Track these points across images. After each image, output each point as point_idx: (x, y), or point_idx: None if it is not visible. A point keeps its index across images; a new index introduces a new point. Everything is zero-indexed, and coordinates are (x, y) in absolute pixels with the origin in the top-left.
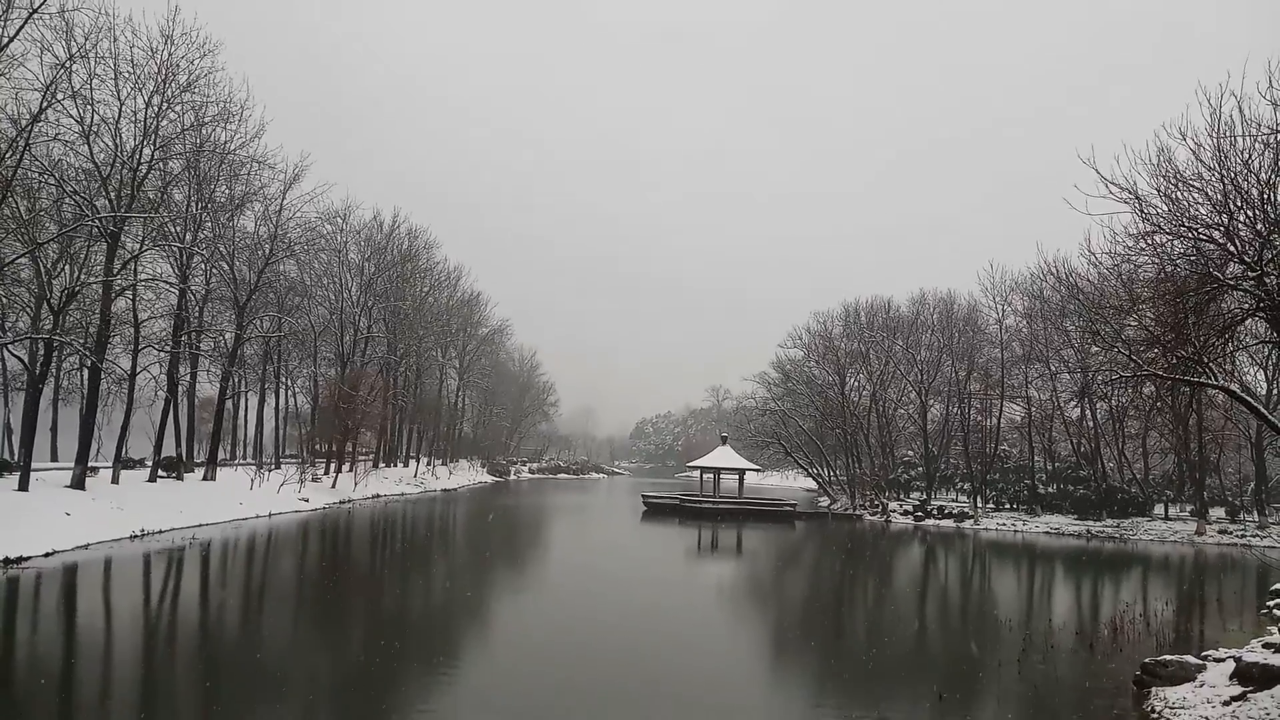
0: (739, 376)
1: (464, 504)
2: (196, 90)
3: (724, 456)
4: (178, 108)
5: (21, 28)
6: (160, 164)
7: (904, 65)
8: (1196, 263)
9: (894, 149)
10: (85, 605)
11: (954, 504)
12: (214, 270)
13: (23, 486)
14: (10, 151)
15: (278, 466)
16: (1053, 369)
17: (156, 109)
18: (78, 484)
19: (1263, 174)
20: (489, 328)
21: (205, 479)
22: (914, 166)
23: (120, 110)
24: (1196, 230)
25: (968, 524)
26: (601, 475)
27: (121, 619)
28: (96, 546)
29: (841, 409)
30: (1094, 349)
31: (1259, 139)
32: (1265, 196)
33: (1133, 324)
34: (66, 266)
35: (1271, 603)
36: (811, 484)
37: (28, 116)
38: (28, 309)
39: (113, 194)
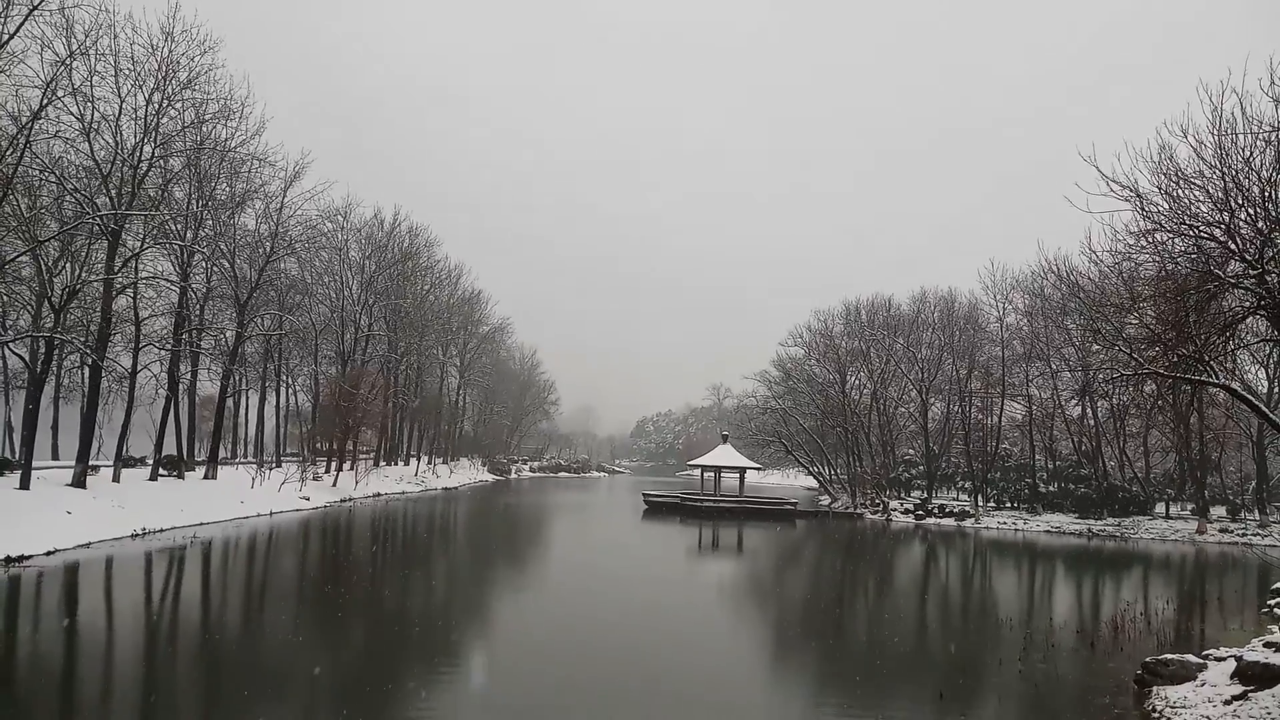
0: (740, 375)
1: (465, 502)
2: (197, 87)
3: (725, 455)
4: (178, 105)
5: (21, 24)
6: (161, 161)
7: (904, 65)
8: (1197, 260)
9: (894, 149)
10: (87, 604)
11: (955, 503)
12: (215, 268)
13: (24, 485)
14: (11, 149)
15: (279, 465)
16: (1054, 367)
17: (157, 106)
18: (79, 482)
19: (1264, 172)
20: (490, 326)
21: (206, 477)
22: (914, 166)
23: (121, 107)
24: (1197, 228)
25: (968, 523)
26: (602, 474)
27: (123, 618)
28: (98, 545)
29: (842, 407)
30: (1095, 347)
31: (1260, 136)
32: (1266, 194)
33: (1134, 322)
34: (67, 264)
35: (1272, 601)
36: (812, 482)
37: (28, 114)
38: (29, 307)
39: (113, 191)
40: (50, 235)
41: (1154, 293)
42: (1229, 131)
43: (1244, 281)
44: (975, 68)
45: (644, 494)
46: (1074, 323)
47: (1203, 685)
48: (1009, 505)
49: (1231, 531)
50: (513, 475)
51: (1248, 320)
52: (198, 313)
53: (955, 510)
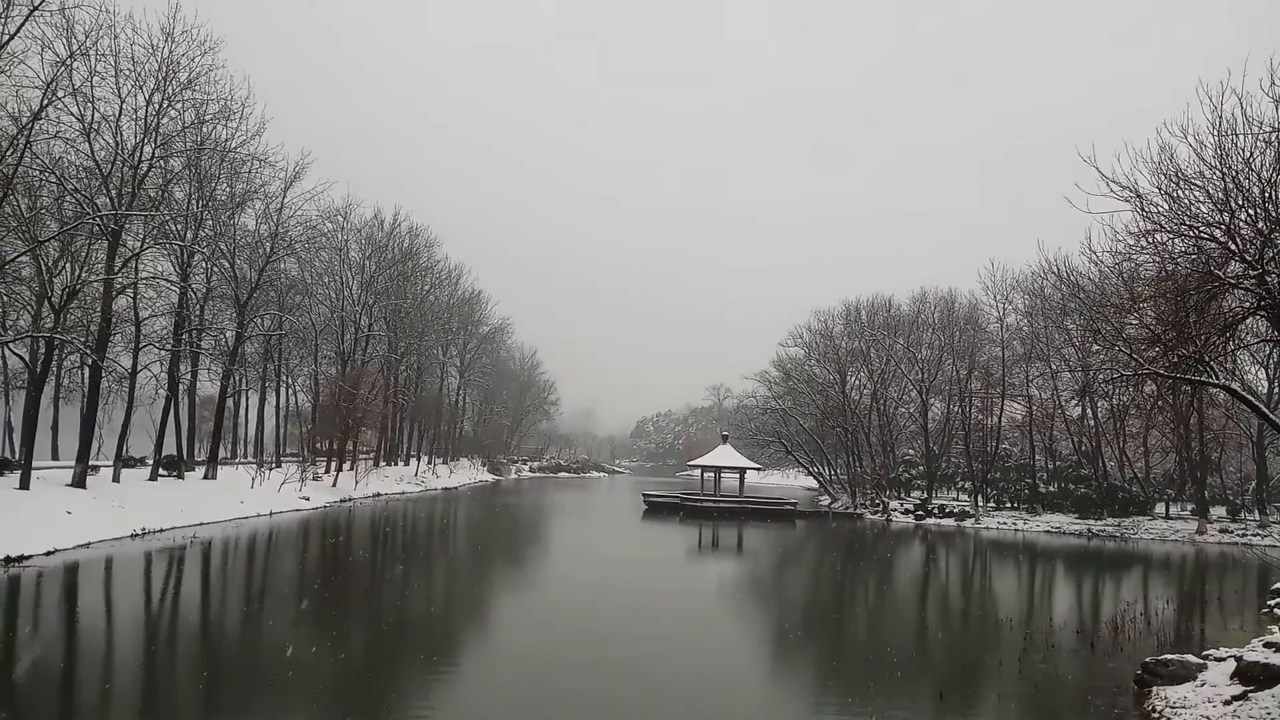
0: (740, 375)
1: (465, 503)
2: (197, 88)
3: (725, 455)
4: (178, 105)
5: (22, 25)
6: (161, 162)
7: (904, 65)
8: (1197, 261)
9: (895, 149)
10: (87, 604)
11: (955, 503)
12: (215, 268)
13: (24, 485)
14: (11, 149)
15: (278, 465)
16: (1054, 368)
17: (157, 106)
18: (79, 482)
19: (1264, 172)
20: (490, 326)
21: (206, 477)
22: (914, 166)
23: (121, 108)
24: (1198, 228)
25: (968, 523)
26: (602, 474)
27: (123, 618)
28: (98, 545)
29: (842, 407)
30: (1095, 347)
31: (1260, 137)
32: (1266, 195)
33: (1134, 322)
34: (67, 264)
35: (1272, 602)
36: (812, 483)
37: (29, 114)
38: (29, 307)
39: (113, 192)
40: (50, 235)
41: (1154, 293)
42: (1229, 132)
43: (1244, 282)
44: (975, 66)
45: (644, 494)
46: (1074, 323)
47: (1203, 685)
48: (1009, 505)
49: (1231, 532)
50: (513, 475)
51: (1248, 321)
52: (198, 313)
53: (955, 510)
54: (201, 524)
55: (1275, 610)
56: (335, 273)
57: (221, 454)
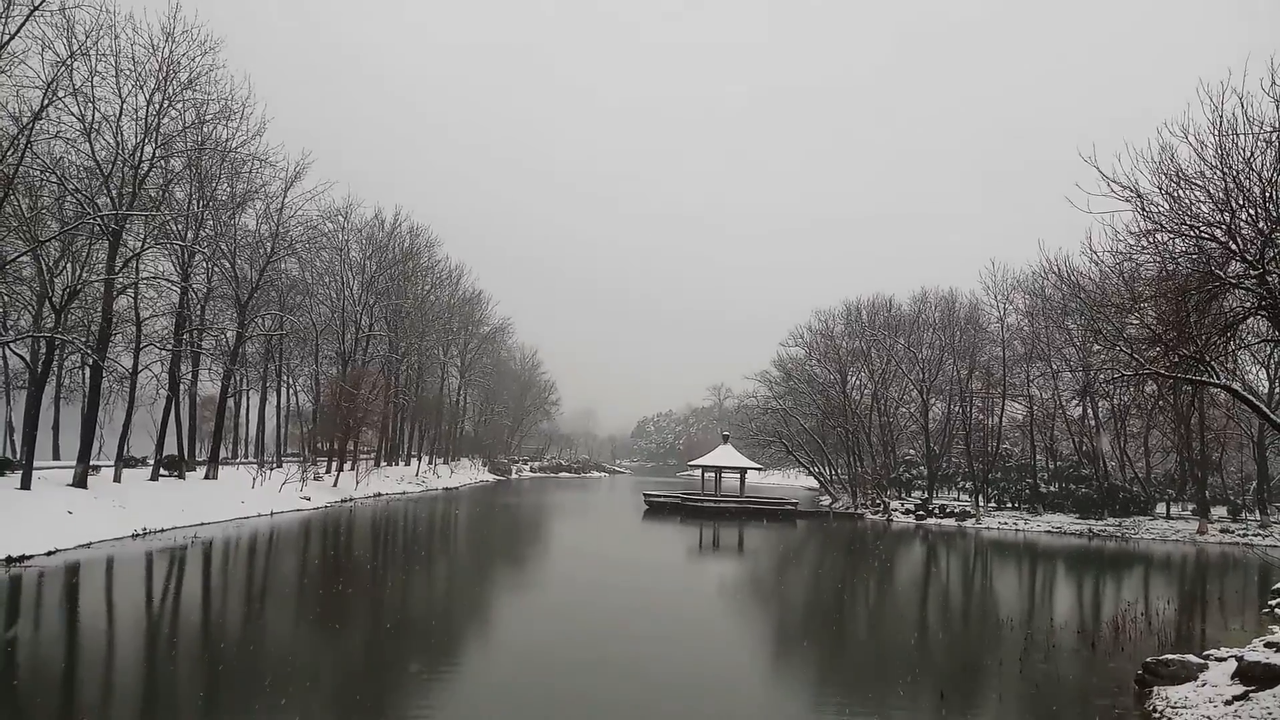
0: (740, 375)
1: (466, 503)
2: (198, 87)
3: (725, 455)
4: (179, 105)
5: (23, 25)
6: (162, 162)
7: (904, 65)
8: (1198, 261)
9: (895, 149)
10: (88, 604)
11: (956, 503)
12: (215, 268)
13: (25, 485)
14: (12, 149)
15: (279, 465)
16: (1054, 368)
17: (158, 106)
18: (79, 482)
19: (1265, 172)
20: (490, 326)
21: (207, 477)
22: (914, 166)
23: (121, 108)
24: (1198, 228)
25: (969, 523)
26: (603, 474)
27: (124, 618)
28: (99, 545)
29: (843, 407)
30: (1096, 347)
31: (1261, 137)
32: (1267, 194)
33: (1134, 322)
34: (68, 264)
35: (1273, 601)
36: (813, 483)
37: (29, 114)
38: (30, 307)
39: (114, 192)
40: (51, 235)
41: (1155, 293)
42: (1230, 132)
43: (1245, 282)
44: (974, 67)
45: (644, 494)
46: (1075, 323)
47: (1203, 685)
48: (1010, 505)
49: (1232, 532)
50: (513, 475)
51: (1248, 320)
52: (198, 313)
53: (956, 510)
54: (202, 524)
55: (1276, 610)
56: (336, 273)
57: (222, 454)
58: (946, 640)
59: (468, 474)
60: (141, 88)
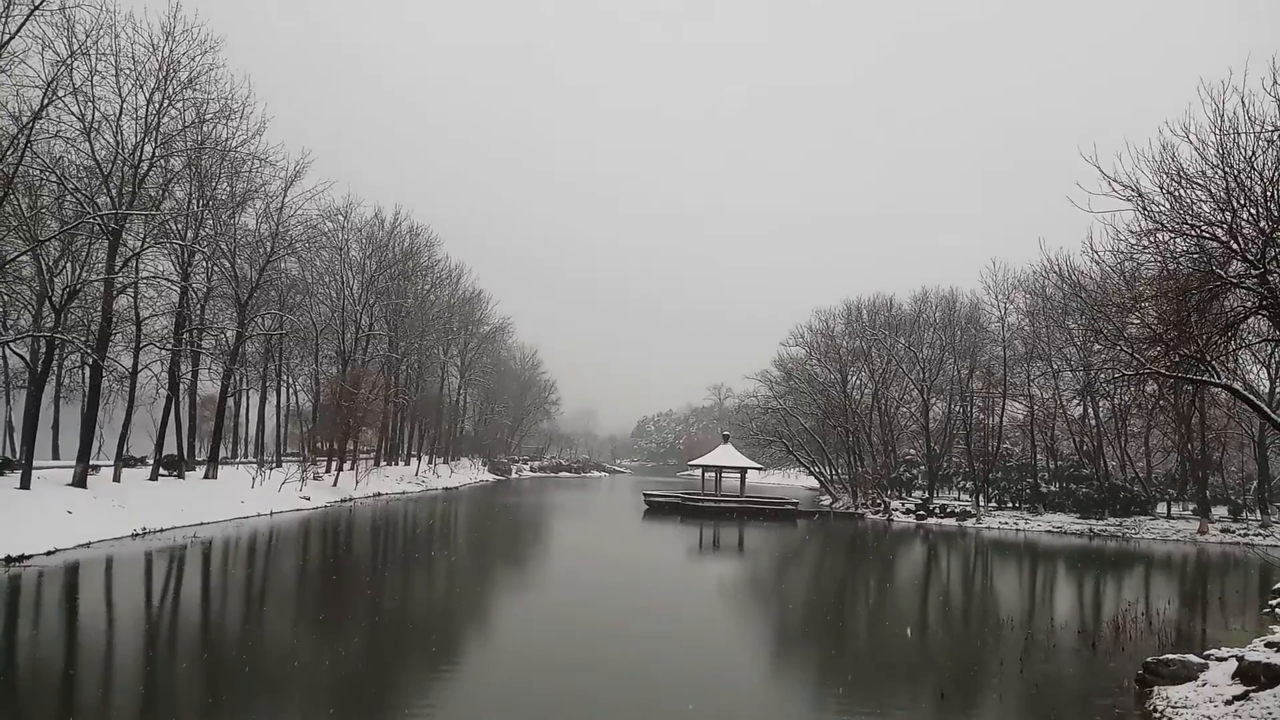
0: (741, 375)
1: (465, 502)
2: (198, 87)
3: (725, 455)
4: (179, 104)
5: (23, 25)
6: (161, 161)
7: (904, 65)
8: (1199, 260)
9: (895, 149)
10: (88, 604)
11: (956, 503)
12: (215, 268)
13: (24, 484)
14: (12, 148)
15: (279, 465)
16: (1055, 367)
17: (158, 106)
18: (79, 482)
19: (1266, 171)
20: (490, 326)
21: (206, 477)
22: (915, 165)
23: (121, 107)
24: (1199, 228)
25: (970, 523)
26: (603, 474)
27: (124, 618)
28: (98, 545)
29: (843, 407)
30: (1096, 347)
31: (1263, 136)
32: (1269, 194)
33: (1135, 322)
34: (68, 264)
35: (1274, 601)
36: (813, 482)
37: (29, 113)
38: (29, 307)
39: (114, 191)
40: (51, 235)
41: (1156, 292)
42: (1231, 131)
43: (1246, 281)
44: (974, 67)
45: (645, 494)
46: (1075, 322)
47: (1204, 685)
48: (1010, 505)
49: (1233, 531)
50: (513, 475)
51: (1249, 320)
52: (198, 312)
53: (957, 510)
54: (202, 524)
55: (1277, 610)
56: (336, 272)
57: (222, 454)
58: (947, 640)
59: (467, 474)
60: (141, 87)
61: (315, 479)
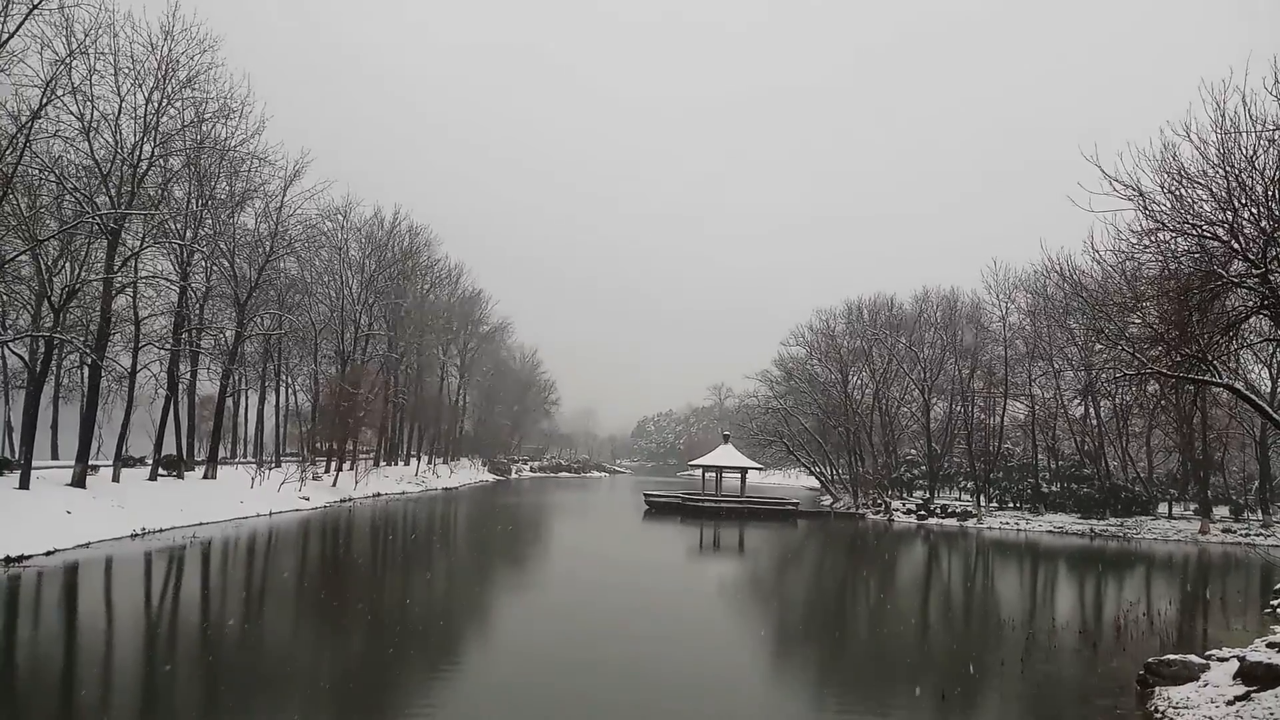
0: (741, 374)
1: (465, 503)
2: (197, 86)
3: (726, 455)
4: (178, 104)
5: (21, 24)
6: (161, 160)
7: (904, 65)
8: (1200, 260)
9: (895, 149)
10: (87, 604)
11: (957, 503)
12: (214, 267)
13: (23, 484)
14: (11, 148)
15: (278, 465)
16: (1056, 367)
17: (157, 105)
18: (78, 482)
19: (1268, 171)
20: (490, 325)
21: (206, 477)
22: (915, 165)
23: (120, 106)
24: (1200, 227)
25: (971, 523)
26: (603, 474)
27: (123, 618)
28: (97, 545)
29: (844, 407)
30: (1098, 347)
31: (1264, 135)
32: (1270, 193)
33: (1136, 321)
34: (67, 264)
35: (1275, 601)
36: (814, 483)
37: (28, 113)
38: (28, 306)
39: (113, 191)
40: (50, 234)
41: (1157, 292)
42: (1232, 130)
43: (1247, 281)
44: (974, 67)
45: (645, 494)
46: (1077, 322)
47: (1205, 686)
48: (1011, 505)
49: (1234, 532)
50: (513, 475)
51: (1251, 320)
52: (197, 312)
53: (957, 510)
54: (201, 524)
55: (1278, 610)
56: (335, 272)
57: (221, 454)
58: (948, 640)
59: (467, 474)
60: (140, 86)
61: (314, 479)
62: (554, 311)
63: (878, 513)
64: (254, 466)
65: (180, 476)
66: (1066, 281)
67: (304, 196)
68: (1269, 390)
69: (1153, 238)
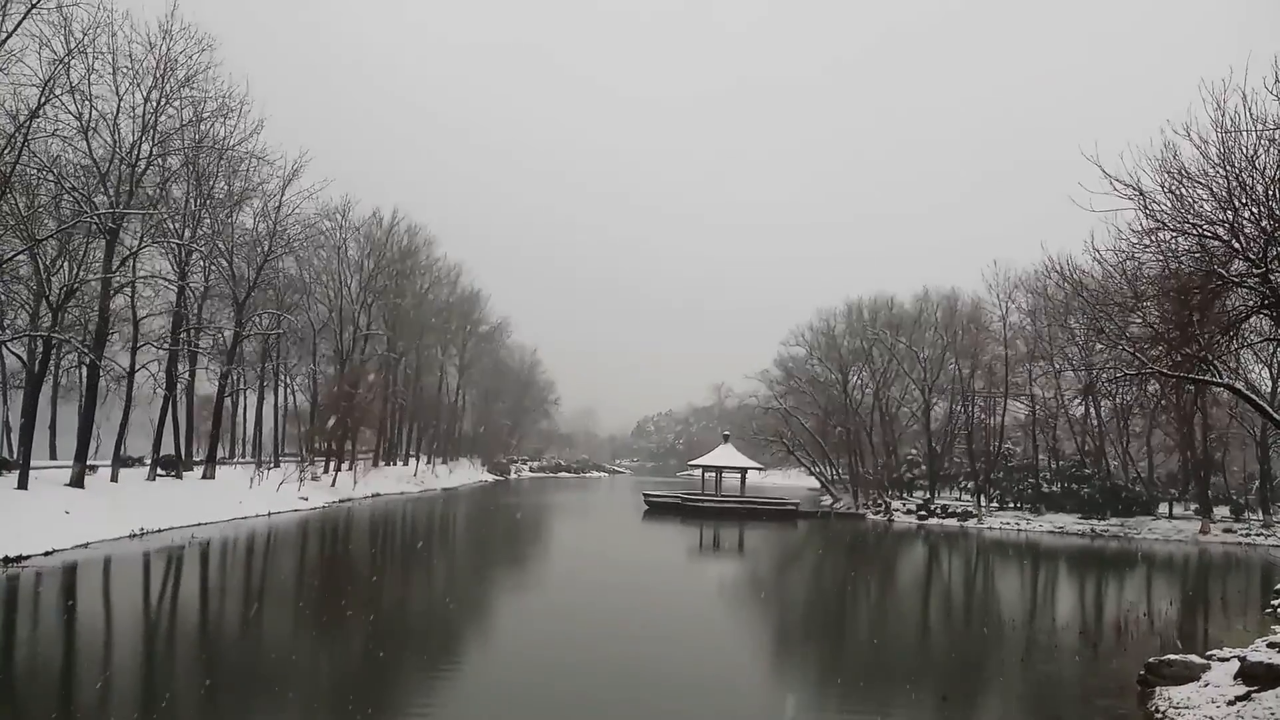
0: (741, 374)
1: (464, 503)
2: (195, 85)
3: (726, 455)
4: (176, 103)
5: (20, 23)
6: (159, 160)
7: (904, 65)
8: (1201, 259)
9: (895, 146)
10: (86, 605)
11: (957, 503)
12: (213, 267)
13: (22, 485)
14: (9, 147)
15: (277, 465)
16: (1057, 367)
17: (155, 104)
18: (77, 482)
19: (1268, 170)
20: (489, 325)
21: (204, 477)
22: (915, 165)
23: (119, 106)
24: (1201, 227)
25: (971, 523)
26: (603, 474)
27: (122, 618)
28: (96, 545)
29: (844, 407)
30: (1098, 346)
31: (1265, 135)
32: (1270, 193)
33: (1137, 321)
34: (65, 263)
35: (1276, 601)
36: (814, 483)
37: (26, 112)
38: (26, 306)
39: (111, 190)
40: (48, 234)
41: (1157, 292)
42: (1233, 130)
43: (1248, 280)
44: (973, 66)
45: (645, 494)
46: (1077, 322)
47: (1206, 686)
48: (1012, 505)
49: (1235, 532)
50: (513, 476)
51: (1251, 319)
52: (196, 312)
53: (958, 510)
54: (200, 524)
55: (1279, 610)
56: (333, 271)
57: (220, 454)
58: (948, 641)
59: (466, 474)
60: (139, 85)
61: (313, 479)
62: (554, 311)
63: (878, 513)
64: (253, 466)
65: (179, 476)
66: (1067, 281)
67: (302, 196)
68: (1269, 390)
69: (1153, 237)
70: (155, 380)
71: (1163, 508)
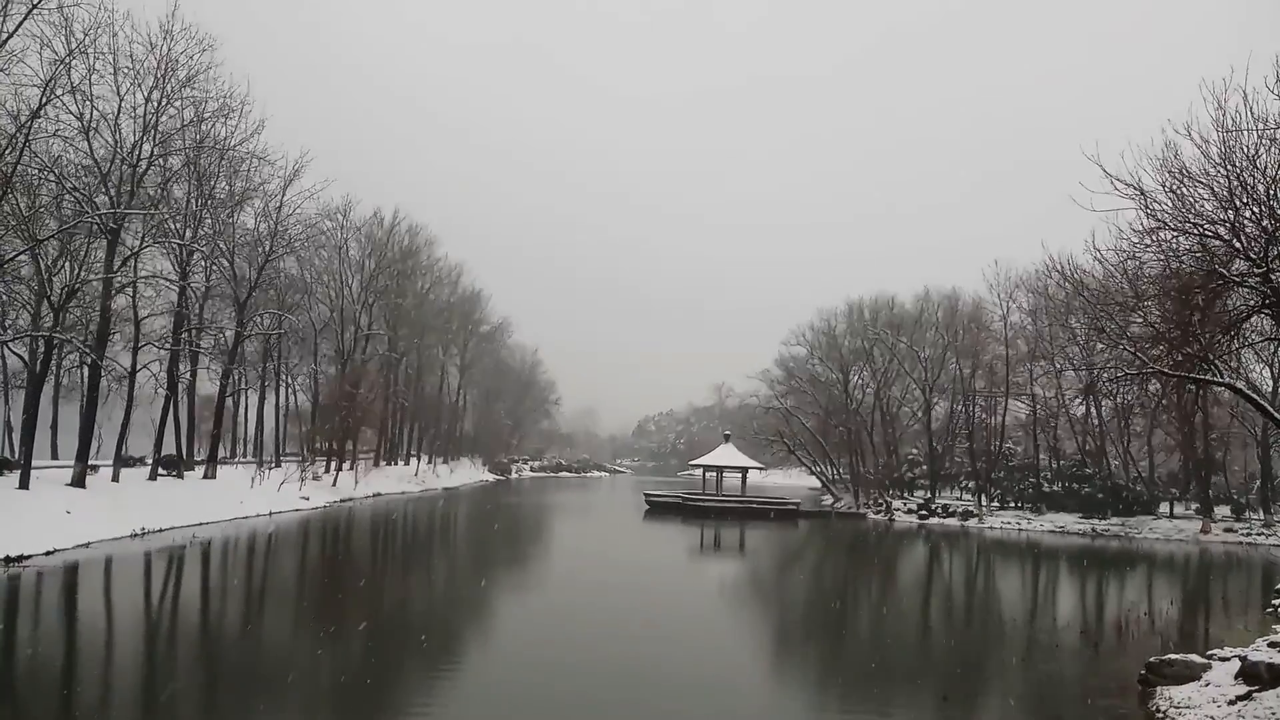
0: (742, 374)
1: (465, 502)
2: (196, 85)
3: (727, 455)
4: (177, 103)
5: (21, 23)
6: (160, 160)
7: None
8: (1202, 259)
9: (895, 141)
10: (87, 604)
11: (958, 502)
12: (214, 267)
13: (23, 484)
14: (10, 148)
15: (278, 465)
16: (1058, 366)
17: (156, 104)
18: (78, 482)
19: (1269, 169)
20: (490, 325)
21: (206, 477)
22: (915, 165)
23: (120, 106)
24: (1202, 226)
25: (972, 523)
26: (603, 474)
27: (123, 618)
28: (97, 545)
29: (845, 407)
30: (1099, 346)
31: (1265, 134)
32: (1271, 192)
33: (1138, 321)
34: (66, 263)
35: (1277, 601)
36: (815, 482)
37: (27, 112)
38: (28, 306)
39: (112, 190)
40: (49, 234)
41: (1158, 291)
42: (1234, 129)
43: (1249, 280)
44: (973, 66)
45: (646, 494)
46: (1078, 321)
47: (1207, 685)
48: (1013, 505)
49: (1236, 531)
50: (513, 475)
51: (1252, 319)
52: (197, 312)
53: (959, 510)
54: (201, 524)
55: (1279, 609)
56: (334, 271)
57: (221, 453)
58: (949, 640)
59: (467, 474)
60: (140, 86)
61: (314, 479)
62: (555, 311)
63: (879, 512)
64: (254, 466)
65: (180, 476)
66: (1068, 281)
67: (304, 196)
68: (1270, 390)
69: (1154, 237)
70: (156, 380)
71: (1164, 507)
